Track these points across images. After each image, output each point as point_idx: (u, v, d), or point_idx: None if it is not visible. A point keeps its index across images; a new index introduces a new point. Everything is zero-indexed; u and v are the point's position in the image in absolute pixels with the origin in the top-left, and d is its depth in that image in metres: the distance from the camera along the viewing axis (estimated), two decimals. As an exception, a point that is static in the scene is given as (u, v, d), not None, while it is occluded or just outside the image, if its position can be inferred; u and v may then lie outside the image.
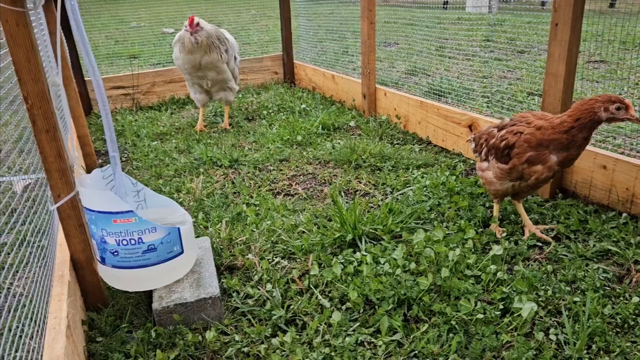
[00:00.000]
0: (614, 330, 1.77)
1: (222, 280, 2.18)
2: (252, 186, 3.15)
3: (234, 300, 2.05)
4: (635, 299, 1.87)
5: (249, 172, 3.35)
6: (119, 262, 1.90)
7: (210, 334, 1.83)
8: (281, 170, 3.39)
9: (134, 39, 9.43)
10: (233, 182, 3.21)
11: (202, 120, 4.37)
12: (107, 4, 11.05)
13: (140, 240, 1.88)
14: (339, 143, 3.79)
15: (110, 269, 1.93)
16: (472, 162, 3.32)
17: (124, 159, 3.76)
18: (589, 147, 2.67)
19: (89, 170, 3.51)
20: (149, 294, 2.03)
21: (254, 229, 2.56)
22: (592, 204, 2.61)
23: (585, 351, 1.68)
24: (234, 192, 3.07)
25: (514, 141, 2.23)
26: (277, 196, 3.03)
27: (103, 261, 1.93)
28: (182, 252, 1.99)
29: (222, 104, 4.66)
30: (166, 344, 1.82)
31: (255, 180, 3.24)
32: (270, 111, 4.76)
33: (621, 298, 1.92)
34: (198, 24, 3.91)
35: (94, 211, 1.85)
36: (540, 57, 6.34)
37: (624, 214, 2.45)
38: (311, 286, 2.10)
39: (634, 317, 1.81)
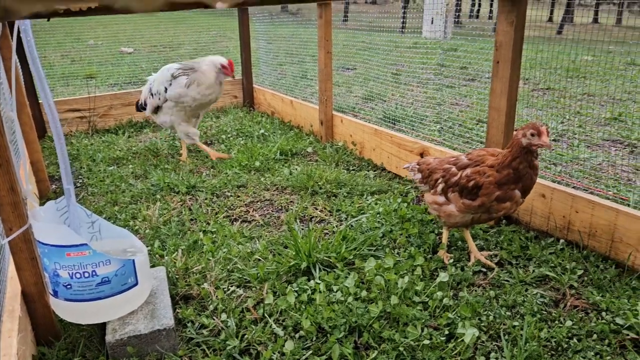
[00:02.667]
0: (549, 353, 1.89)
1: (177, 310, 2.20)
2: (209, 213, 3.18)
3: (189, 331, 2.07)
4: (568, 323, 2.01)
5: (206, 199, 3.38)
6: (72, 295, 1.90)
7: (164, 366, 1.85)
8: (239, 196, 3.44)
9: (91, 58, 9.31)
10: (190, 209, 3.23)
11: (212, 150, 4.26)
12: (62, 20, 10.88)
13: (94, 273, 1.89)
14: (296, 169, 3.87)
15: (63, 302, 1.93)
16: (423, 188, 3.45)
17: (78, 184, 3.72)
18: (529, 177, 2.84)
19: (42, 197, 3.46)
20: (102, 326, 2.03)
21: (210, 258, 2.59)
22: (533, 230, 2.77)
23: (522, 374, 1.79)
24: (191, 219, 3.09)
25: (482, 182, 2.33)
26: (234, 223, 3.07)
27: (56, 294, 1.93)
28: (136, 284, 2.00)
29: (186, 139, 4.38)
30: (119, 377, 1.83)
31: (213, 206, 3.27)
32: (229, 135, 4.81)
33: (556, 322, 2.05)
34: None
35: (46, 244, 1.85)
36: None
37: (561, 240, 2.62)
38: (266, 315, 2.15)
39: (567, 340, 1.94)
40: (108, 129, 5.17)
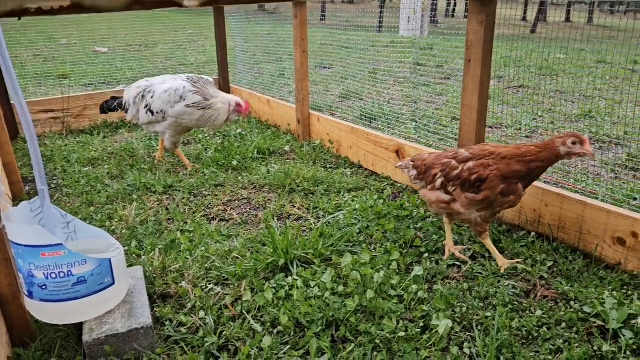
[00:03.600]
0: (520, 342, 1.95)
1: (155, 309, 2.20)
2: (187, 212, 3.18)
3: (167, 329, 2.08)
4: (538, 312, 2.07)
5: (183, 198, 3.37)
6: (48, 296, 1.89)
7: (142, 364, 1.86)
8: (216, 195, 3.44)
9: (64, 58, 9.16)
10: (167, 209, 3.23)
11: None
12: (34, 19, 10.68)
13: (69, 273, 1.88)
14: (274, 167, 3.89)
15: (38, 303, 1.92)
16: (399, 185, 3.50)
17: (53, 185, 3.68)
18: (501, 172, 2.91)
19: (15, 198, 3.41)
20: (79, 326, 2.02)
21: (188, 256, 2.60)
22: (505, 224, 2.84)
23: (494, 362, 1.85)
24: (168, 219, 3.09)
25: (486, 175, 2.31)
26: (212, 222, 3.07)
27: (31, 295, 1.92)
28: (113, 283, 2.00)
29: (172, 148, 4.12)
30: (97, 376, 1.83)
31: (190, 206, 3.27)
32: (205, 135, 4.80)
33: (527, 312, 2.11)
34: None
35: (21, 245, 1.84)
36: (465, 82, 6.73)
37: (532, 233, 2.69)
38: (244, 312, 2.17)
39: (537, 328, 2.00)
40: (83, 129, 5.10)
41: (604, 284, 2.24)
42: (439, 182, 2.49)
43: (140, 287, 2.19)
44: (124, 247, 2.46)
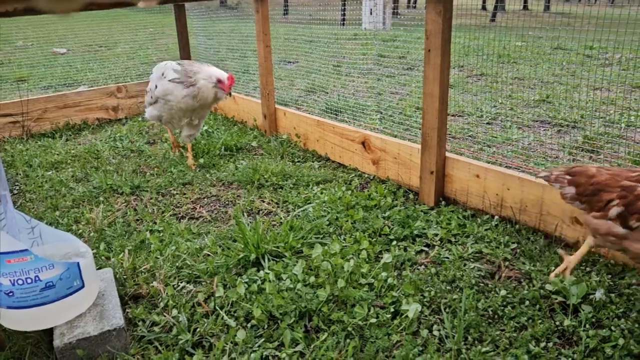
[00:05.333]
0: (487, 322, 2.02)
1: (127, 310, 2.19)
2: (156, 212, 3.16)
3: (140, 329, 2.07)
4: (503, 292, 2.15)
5: (151, 198, 3.34)
6: (15, 303, 1.87)
7: (116, 366, 1.85)
8: (185, 194, 3.42)
9: (21, 61, 8.89)
10: (135, 210, 3.19)
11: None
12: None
13: (37, 279, 1.86)
14: (241, 164, 3.89)
15: (5, 311, 1.89)
16: (367, 176, 3.55)
17: (15, 191, 3.59)
18: (465, 159, 3.00)
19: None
20: (49, 332, 2.00)
21: (158, 256, 2.59)
22: (470, 209, 2.93)
23: (462, 343, 1.91)
24: (137, 220, 3.06)
25: None
26: (181, 220, 3.06)
27: (-3, 303, 1.88)
28: (82, 287, 1.98)
29: (186, 140, 4.02)
30: (70, 380, 1.81)
31: (159, 205, 3.25)
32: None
33: (492, 292, 2.19)
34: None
35: (-16, 253, 1.81)
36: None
37: (496, 217, 2.78)
38: (217, 308, 2.18)
39: (502, 308, 2.08)
40: (44, 133, 4.98)
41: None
42: (614, 211, 1.94)
43: (110, 289, 2.17)
44: (92, 250, 2.43)
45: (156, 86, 3.73)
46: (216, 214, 3.15)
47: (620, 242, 1.95)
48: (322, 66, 6.69)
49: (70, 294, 1.94)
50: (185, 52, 5.78)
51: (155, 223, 3.00)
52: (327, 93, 5.93)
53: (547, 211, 2.57)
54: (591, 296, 2.07)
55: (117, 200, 3.34)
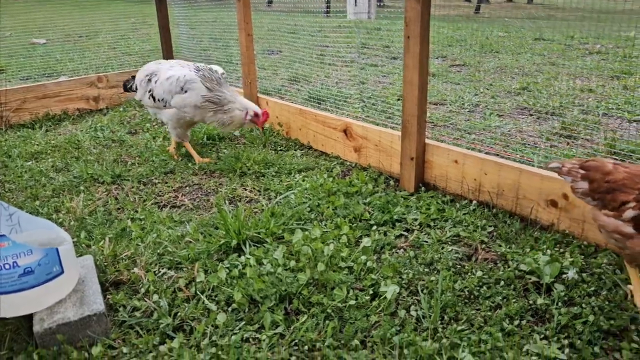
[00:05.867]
0: (463, 302, 2.07)
1: (107, 296, 2.20)
2: (137, 201, 3.15)
3: (121, 315, 2.08)
4: (479, 273, 2.20)
5: (133, 187, 3.34)
6: (-6, 289, 1.86)
7: (96, 350, 1.86)
8: (166, 182, 3.42)
9: (-1, 51, 8.72)
10: (116, 198, 3.19)
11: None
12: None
13: (15, 264, 1.86)
14: (224, 152, 3.89)
15: (-16, 297, 1.88)
16: (348, 163, 3.58)
17: (-6, 181, 3.56)
18: (444, 146, 3.04)
19: (-47, 196, 3.28)
20: (29, 318, 2.00)
21: (140, 243, 2.59)
22: (449, 195, 2.97)
23: (439, 322, 1.95)
24: (118, 208, 3.06)
25: None
26: (163, 209, 3.06)
27: (-25, 289, 1.88)
28: (62, 272, 1.99)
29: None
30: (50, 365, 1.82)
31: (140, 194, 3.24)
32: (153, 123, 4.73)
33: (469, 273, 2.23)
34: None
35: (-39, 239, 1.80)
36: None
37: (474, 201, 2.83)
38: (198, 292, 2.19)
39: (478, 288, 2.12)
40: (23, 123, 4.92)
41: (539, 243, 2.40)
42: (629, 214, 1.84)
43: (91, 275, 2.18)
44: (72, 238, 2.42)
45: (172, 97, 3.59)
46: (198, 202, 3.16)
47: (625, 241, 1.87)
48: (305, 56, 6.68)
49: (50, 279, 1.95)
50: (166, 42, 5.74)
51: (136, 211, 3.00)
52: (310, 82, 5.93)
53: (523, 195, 2.62)
54: (564, 275, 2.12)
55: (98, 190, 3.32)
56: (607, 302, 1.97)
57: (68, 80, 5.29)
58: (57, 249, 1.95)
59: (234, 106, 3.59)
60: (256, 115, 3.60)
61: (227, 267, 2.34)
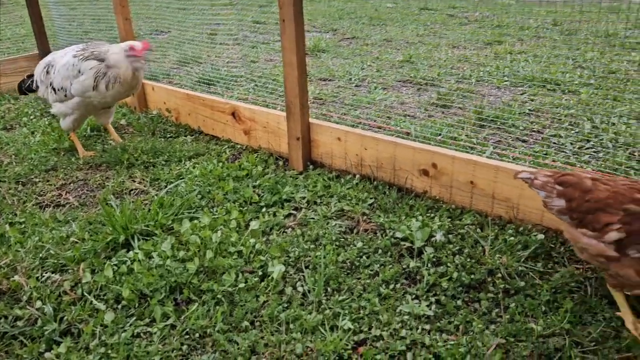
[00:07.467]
0: (345, 273, 2.22)
1: (-15, 309, 2.11)
2: (16, 203, 2.99)
3: (2, 326, 2.01)
4: (359, 244, 2.36)
5: (10, 189, 3.15)
6: None
7: (-25, 366, 1.80)
8: (48, 181, 3.26)
9: None
10: (-8, 203, 3.00)
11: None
12: None
13: None
14: (110, 144, 3.76)
15: None
16: (239, 146, 3.62)
17: None
18: (327, 124, 3.16)
19: None
20: None
21: (20, 249, 2.48)
22: (335, 171, 3.11)
23: (323, 294, 2.09)
24: (-6, 213, 2.89)
25: None
26: (46, 209, 2.94)
27: None
28: None
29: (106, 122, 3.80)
30: None
31: (19, 196, 3.07)
32: (31, 117, 4.44)
33: (351, 245, 2.39)
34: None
35: None
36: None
37: (357, 176, 2.99)
38: (85, 294, 2.16)
39: (358, 258, 2.29)
40: None
41: (413, 210, 2.61)
42: (613, 236, 1.71)
43: (-36, 289, 2.07)
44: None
45: (71, 83, 3.36)
46: (84, 198, 3.06)
47: (609, 264, 1.75)
48: (196, 35, 6.52)
49: None
50: (38, 24, 5.34)
51: (15, 215, 2.85)
52: (201, 64, 5.82)
53: (400, 167, 2.82)
54: (433, 239, 2.34)
55: (-30, 195, 3.11)
56: (469, 259, 2.21)
57: None
58: None
59: (113, 54, 3.30)
60: (132, 48, 3.30)
61: (115, 264, 2.32)
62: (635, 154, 3.06)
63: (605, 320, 1.86)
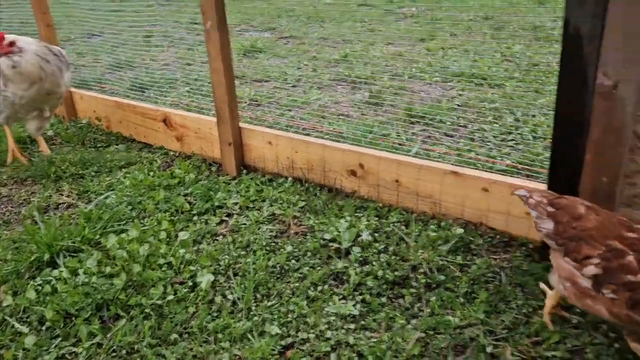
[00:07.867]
0: (275, 277, 2.25)
1: None
2: None
3: None
4: (289, 248, 2.40)
5: None
6: None
7: None
8: (-31, 199, 3.13)
9: None
10: None
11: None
12: None
13: None
14: (37, 156, 3.63)
15: None
16: (172, 153, 3.57)
17: None
18: (257, 128, 3.18)
19: None
20: None
21: None
22: (268, 174, 3.13)
23: (252, 301, 2.11)
24: None
25: None
26: (-34, 230, 2.82)
27: None
28: None
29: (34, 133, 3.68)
30: None
31: (-64, 217, 2.93)
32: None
33: (281, 249, 2.42)
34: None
35: None
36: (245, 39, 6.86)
37: (289, 178, 3.02)
38: (6, 317, 2.10)
39: (288, 262, 2.32)
40: None
41: (342, 211, 2.66)
42: (590, 270, 1.64)
43: None
44: None
45: None
46: (8, 216, 2.95)
47: (585, 299, 1.67)
48: (130, 37, 6.36)
49: None
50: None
51: None
52: (134, 68, 5.69)
53: (329, 168, 2.87)
54: (359, 238, 2.40)
55: None
56: (394, 256, 2.29)
57: None
58: None
59: None
60: None
61: (39, 284, 2.26)
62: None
63: (518, 307, 1.97)
